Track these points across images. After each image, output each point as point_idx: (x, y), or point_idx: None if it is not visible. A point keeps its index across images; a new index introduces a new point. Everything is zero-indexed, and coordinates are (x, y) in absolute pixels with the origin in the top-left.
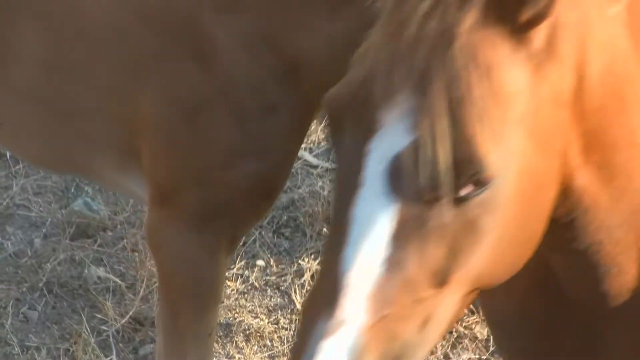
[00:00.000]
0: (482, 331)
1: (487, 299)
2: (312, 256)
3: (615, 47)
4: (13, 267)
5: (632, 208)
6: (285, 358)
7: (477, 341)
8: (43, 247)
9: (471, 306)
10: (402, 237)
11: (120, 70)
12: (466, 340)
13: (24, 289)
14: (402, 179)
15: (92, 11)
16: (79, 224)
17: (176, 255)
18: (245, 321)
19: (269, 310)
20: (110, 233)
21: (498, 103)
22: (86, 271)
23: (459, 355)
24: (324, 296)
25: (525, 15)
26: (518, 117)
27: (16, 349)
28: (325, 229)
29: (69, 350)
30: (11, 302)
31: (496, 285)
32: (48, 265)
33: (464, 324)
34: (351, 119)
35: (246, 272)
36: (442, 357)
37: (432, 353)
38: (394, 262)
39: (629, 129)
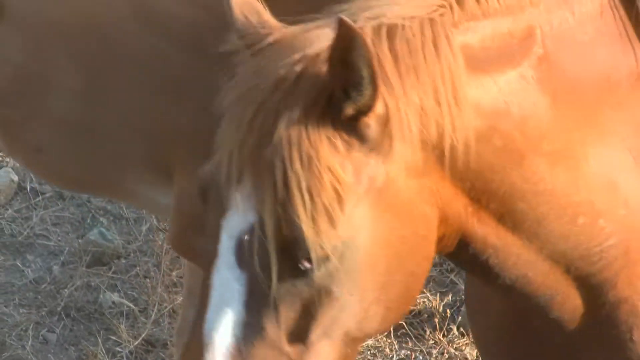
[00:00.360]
0: (471, 352)
1: (473, 322)
2: None
3: (506, 112)
4: (33, 292)
5: (552, 248)
6: None
7: None
8: (61, 274)
9: (461, 329)
10: (255, 302)
11: (155, 92)
12: None
13: (43, 313)
14: (246, 254)
15: (124, 43)
16: (94, 253)
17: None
18: None
19: None
20: (123, 261)
21: (324, 189)
22: (101, 296)
23: None
24: (193, 352)
25: (349, 110)
26: (359, 197)
27: None
28: None
29: None
30: (31, 325)
31: (377, 335)
32: (66, 290)
33: (454, 346)
34: (213, 196)
35: None
36: None
37: None
38: (250, 324)
39: (530, 181)
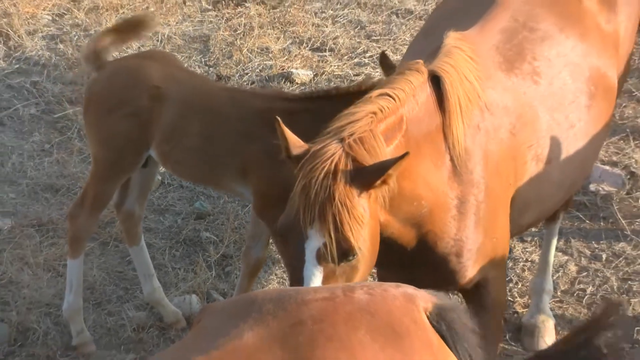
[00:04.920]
0: None
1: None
2: None
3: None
4: (168, 232)
5: (400, 217)
6: None
7: None
8: (182, 223)
9: None
10: (327, 279)
11: (240, 135)
12: None
13: (173, 242)
14: (322, 259)
15: (223, 111)
16: (197, 213)
17: (274, 222)
18: None
19: None
20: (212, 217)
21: (357, 221)
22: (201, 234)
23: None
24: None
25: (371, 187)
26: (366, 222)
27: (169, 269)
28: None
29: (193, 269)
30: (167, 248)
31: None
32: (184, 231)
33: None
34: (292, 234)
35: None
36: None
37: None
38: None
39: (397, 194)
